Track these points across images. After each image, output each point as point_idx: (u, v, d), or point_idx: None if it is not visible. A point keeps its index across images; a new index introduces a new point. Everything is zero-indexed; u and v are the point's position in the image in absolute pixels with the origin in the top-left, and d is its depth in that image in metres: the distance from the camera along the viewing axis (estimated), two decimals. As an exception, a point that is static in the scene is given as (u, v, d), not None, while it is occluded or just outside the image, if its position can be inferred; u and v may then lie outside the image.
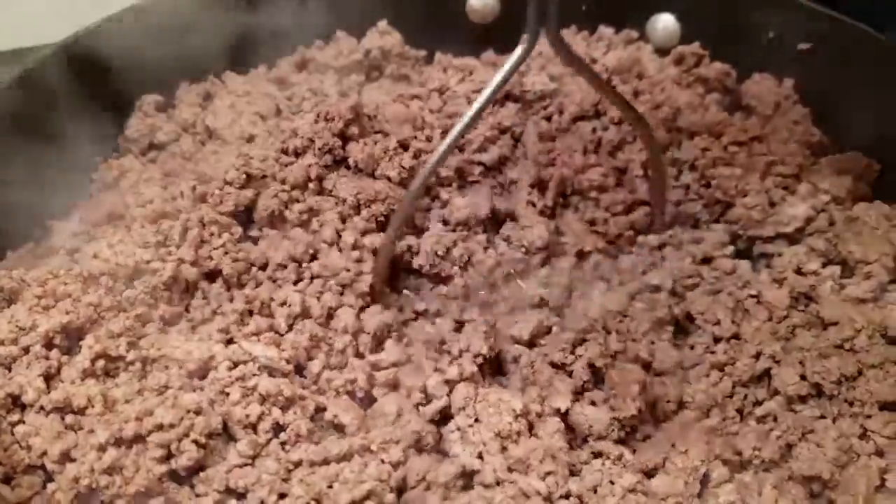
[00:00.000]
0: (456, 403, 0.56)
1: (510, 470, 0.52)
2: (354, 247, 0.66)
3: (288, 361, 0.58)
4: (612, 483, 0.52)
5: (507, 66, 0.57)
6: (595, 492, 0.52)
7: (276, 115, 0.81)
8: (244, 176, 0.68)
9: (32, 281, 0.64)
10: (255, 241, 0.68)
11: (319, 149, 0.69)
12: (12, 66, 0.74)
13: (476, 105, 0.57)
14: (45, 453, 0.53)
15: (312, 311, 0.62)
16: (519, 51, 0.56)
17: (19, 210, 0.71)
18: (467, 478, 0.53)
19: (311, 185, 0.69)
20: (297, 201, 0.68)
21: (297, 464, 0.53)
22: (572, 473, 0.53)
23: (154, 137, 0.81)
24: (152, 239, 0.66)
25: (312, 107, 0.81)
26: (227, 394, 0.55)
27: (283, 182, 0.69)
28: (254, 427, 0.54)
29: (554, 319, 0.62)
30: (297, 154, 0.70)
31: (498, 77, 0.56)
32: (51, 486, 0.53)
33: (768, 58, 0.84)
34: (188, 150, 0.79)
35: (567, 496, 0.51)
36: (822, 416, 0.56)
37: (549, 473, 0.51)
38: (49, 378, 0.57)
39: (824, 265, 0.66)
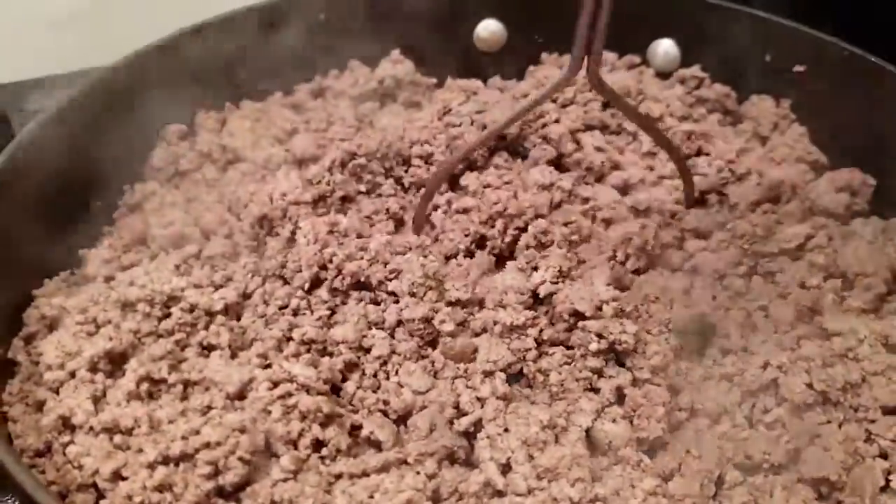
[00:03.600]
0: (487, 416, 0.59)
1: (539, 478, 0.55)
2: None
3: (325, 382, 0.61)
4: (633, 487, 0.55)
5: (548, 87, 0.67)
6: (618, 495, 0.54)
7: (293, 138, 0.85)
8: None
9: (73, 308, 0.67)
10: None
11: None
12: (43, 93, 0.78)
13: (514, 111, 0.68)
14: (96, 472, 0.56)
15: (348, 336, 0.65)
16: (561, 75, 0.66)
17: (54, 238, 0.74)
18: (497, 488, 0.55)
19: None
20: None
21: (338, 476, 0.55)
22: (595, 479, 0.56)
23: (178, 165, 0.83)
24: (185, 267, 0.70)
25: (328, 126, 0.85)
26: (269, 412, 0.58)
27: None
28: (295, 443, 0.57)
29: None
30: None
31: (537, 93, 0.62)
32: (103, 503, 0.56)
33: (766, 80, 0.88)
34: (211, 177, 0.82)
35: (594, 501, 0.54)
36: (829, 422, 0.59)
37: (578, 480, 0.54)
38: (96, 401, 0.60)
39: (825, 279, 0.69)
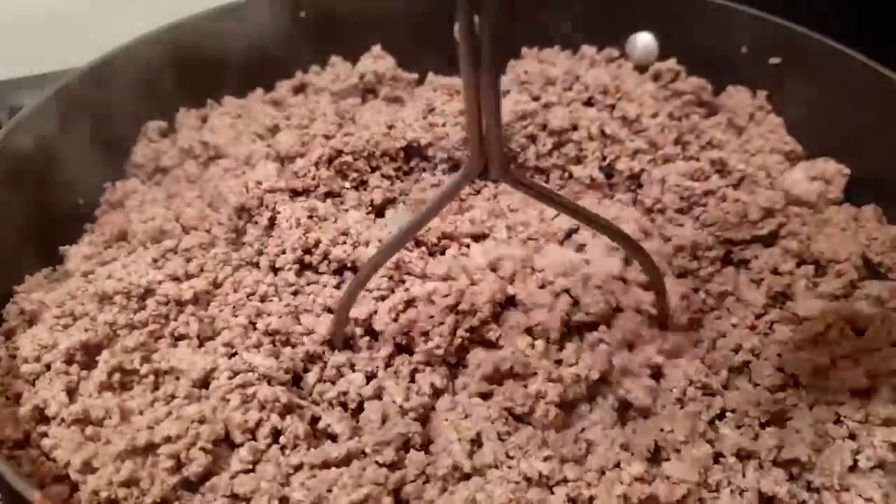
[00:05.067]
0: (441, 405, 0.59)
1: (509, 456, 0.55)
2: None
3: (286, 372, 0.61)
4: (618, 468, 0.55)
5: (445, 190, 0.52)
6: (604, 473, 0.55)
7: (274, 134, 0.85)
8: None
9: (51, 302, 0.68)
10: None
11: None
12: (34, 93, 0.79)
13: (410, 223, 0.55)
14: (68, 464, 0.56)
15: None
16: (457, 175, 0.52)
17: (34, 235, 0.75)
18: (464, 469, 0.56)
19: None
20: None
21: (297, 468, 0.55)
22: (571, 459, 0.56)
23: (159, 162, 0.84)
24: (162, 259, 0.71)
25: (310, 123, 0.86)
26: (228, 400, 0.58)
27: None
28: (253, 432, 0.57)
29: None
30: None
31: (435, 199, 0.53)
32: (77, 496, 0.56)
33: (742, 71, 0.89)
34: (192, 173, 0.83)
35: (565, 481, 0.54)
36: (799, 405, 0.60)
37: (547, 458, 0.54)
38: (70, 392, 0.61)
39: (798, 265, 0.69)
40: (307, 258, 0.69)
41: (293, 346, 0.64)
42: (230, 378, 0.60)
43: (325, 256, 0.69)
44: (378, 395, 0.60)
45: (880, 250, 0.70)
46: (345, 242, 0.70)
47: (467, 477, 0.55)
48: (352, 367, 0.63)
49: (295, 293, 0.68)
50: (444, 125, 0.83)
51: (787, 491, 0.54)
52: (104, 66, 0.82)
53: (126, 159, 0.84)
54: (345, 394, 0.61)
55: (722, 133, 0.84)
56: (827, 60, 0.82)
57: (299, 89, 0.93)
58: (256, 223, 0.72)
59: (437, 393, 0.60)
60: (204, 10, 0.89)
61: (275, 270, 0.69)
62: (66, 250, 0.75)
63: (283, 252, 0.69)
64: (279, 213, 0.72)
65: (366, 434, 0.58)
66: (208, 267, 0.70)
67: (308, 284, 0.69)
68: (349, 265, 0.69)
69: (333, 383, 0.62)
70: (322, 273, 0.70)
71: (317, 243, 0.69)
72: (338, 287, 0.69)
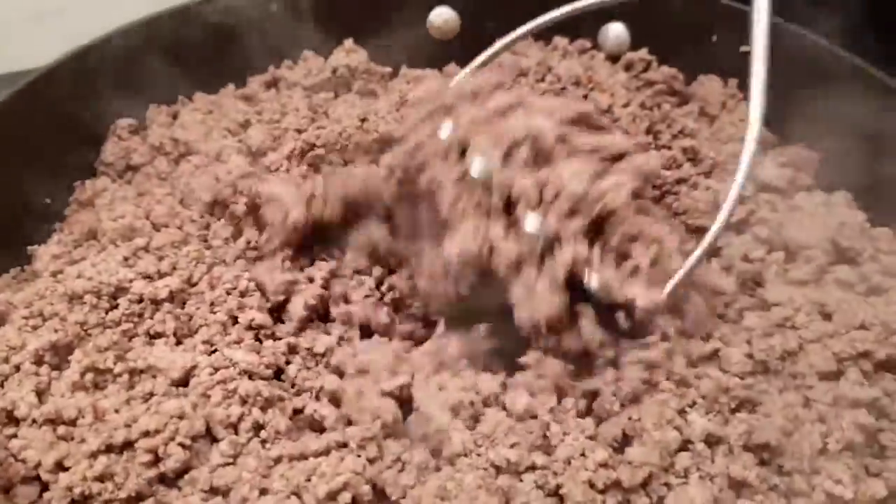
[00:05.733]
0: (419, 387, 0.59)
1: (478, 444, 0.55)
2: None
3: (267, 367, 0.61)
4: (583, 456, 0.55)
5: None
6: (569, 464, 0.55)
7: (246, 129, 0.85)
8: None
9: (20, 303, 0.67)
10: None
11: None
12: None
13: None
14: (39, 464, 0.56)
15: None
16: None
17: (1, 235, 0.74)
18: (441, 458, 0.56)
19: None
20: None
21: (277, 460, 0.56)
22: (541, 448, 0.56)
23: (130, 160, 0.83)
24: (134, 257, 0.70)
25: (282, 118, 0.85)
26: (209, 396, 0.58)
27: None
28: (235, 427, 0.57)
29: None
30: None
31: None
32: (47, 496, 0.56)
33: (713, 60, 0.89)
34: (163, 170, 0.82)
35: (534, 468, 0.54)
36: (769, 390, 0.60)
37: (514, 445, 0.55)
38: (40, 393, 0.60)
39: (769, 252, 0.70)
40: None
41: (275, 340, 0.63)
42: (211, 374, 0.60)
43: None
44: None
45: (850, 235, 0.71)
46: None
47: (437, 468, 0.55)
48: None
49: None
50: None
51: (757, 475, 0.55)
52: (73, 63, 0.82)
53: (96, 157, 0.84)
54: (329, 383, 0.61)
55: (694, 122, 0.84)
56: (798, 47, 0.82)
57: (271, 84, 0.93)
58: (234, 212, 0.72)
59: None
60: (174, 5, 0.88)
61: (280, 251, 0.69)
62: (34, 250, 0.74)
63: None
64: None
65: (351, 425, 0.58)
66: (181, 265, 0.69)
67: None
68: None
69: (317, 374, 0.62)
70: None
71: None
72: (325, 287, 0.69)
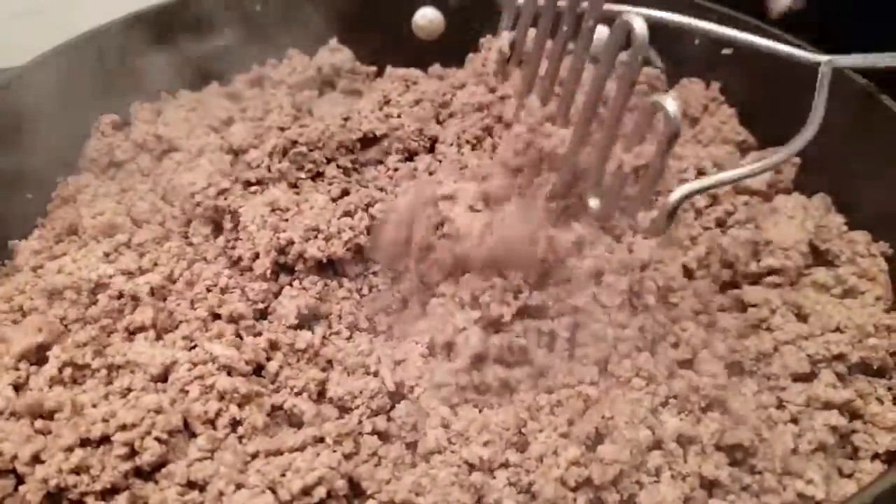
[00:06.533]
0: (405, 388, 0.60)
1: (451, 441, 0.56)
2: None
3: (247, 363, 0.61)
4: (555, 454, 0.55)
5: None
6: (542, 461, 0.55)
7: (229, 127, 0.85)
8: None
9: (-1, 297, 0.67)
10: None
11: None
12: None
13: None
14: (15, 457, 0.56)
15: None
16: None
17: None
18: (416, 454, 0.56)
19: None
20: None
21: (254, 455, 0.56)
22: (515, 446, 0.57)
23: (113, 156, 0.83)
24: (115, 253, 0.70)
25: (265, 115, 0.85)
26: (187, 392, 0.58)
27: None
28: (212, 423, 0.57)
29: None
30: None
31: None
32: (22, 489, 0.56)
33: (696, 63, 0.90)
34: (146, 166, 0.82)
35: (507, 465, 0.55)
36: (742, 390, 0.60)
37: (487, 443, 0.55)
38: (18, 387, 0.60)
39: (746, 253, 0.70)
40: (281, 258, 0.69)
41: (256, 335, 0.64)
42: (189, 370, 0.60)
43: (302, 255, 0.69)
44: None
45: (827, 237, 0.71)
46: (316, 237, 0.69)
47: (413, 464, 0.55)
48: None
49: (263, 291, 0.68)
50: (399, 116, 0.82)
51: (729, 475, 0.55)
52: (57, 58, 0.82)
53: (79, 153, 0.84)
54: (311, 379, 0.61)
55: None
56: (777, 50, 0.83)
57: (256, 82, 0.93)
58: (214, 219, 0.72)
59: None
60: (159, 2, 0.88)
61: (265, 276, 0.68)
62: (15, 245, 0.74)
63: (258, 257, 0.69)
64: (240, 209, 0.71)
65: (329, 421, 0.59)
66: (162, 261, 0.69)
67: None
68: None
69: (298, 371, 0.62)
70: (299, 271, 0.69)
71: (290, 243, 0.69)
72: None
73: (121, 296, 0.66)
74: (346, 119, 0.82)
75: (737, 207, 0.73)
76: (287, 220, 0.69)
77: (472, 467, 0.54)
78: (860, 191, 0.76)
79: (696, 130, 0.85)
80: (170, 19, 0.88)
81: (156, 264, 0.69)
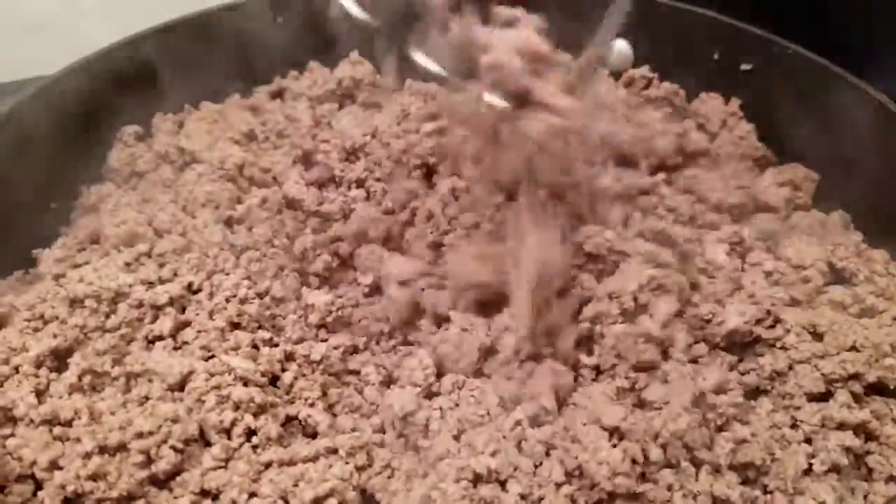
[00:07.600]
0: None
1: (459, 451, 0.56)
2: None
3: (263, 374, 0.62)
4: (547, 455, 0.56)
5: None
6: (539, 465, 0.55)
7: (250, 140, 0.86)
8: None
9: (22, 305, 0.68)
10: None
11: None
12: (7, 98, 0.79)
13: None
14: (34, 463, 0.57)
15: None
16: None
17: (7, 239, 0.75)
18: (429, 466, 0.57)
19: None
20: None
21: (268, 465, 0.57)
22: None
23: (135, 166, 0.85)
24: (136, 263, 0.71)
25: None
26: (203, 401, 0.59)
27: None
28: (227, 432, 0.58)
29: None
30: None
31: None
32: (40, 494, 0.57)
33: (715, 78, 0.89)
34: (168, 177, 0.83)
35: (517, 479, 0.55)
36: (756, 409, 0.60)
37: (495, 453, 0.55)
38: (39, 394, 0.61)
39: (763, 270, 0.70)
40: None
41: (272, 347, 0.65)
42: (206, 380, 0.61)
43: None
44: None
45: (844, 255, 0.71)
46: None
47: (425, 475, 0.56)
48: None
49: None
50: (417, 131, 0.83)
51: (741, 494, 0.55)
52: (81, 71, 0.83)
53: (102, 164, 0.85)
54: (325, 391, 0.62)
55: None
56: (798, 67, 0.83)
57: (277, 95, 0.94)
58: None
59: None
60: (181, 16, 0.90)
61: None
62: (38, 253, 0.76)
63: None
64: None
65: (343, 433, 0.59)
66: (182, 271, 0.70)
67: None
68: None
69: (312, 381, 0.63)
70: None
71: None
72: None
73: (140, 305, 0.67)
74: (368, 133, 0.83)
75: (754, 223, 0.72)
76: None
77: (480, 479, 0.54)
78: (879, 208, 0.76)
79: (715, 145, 0.85)
80: (192, 32, 0.90)
81: (176, 274, 0.70)
